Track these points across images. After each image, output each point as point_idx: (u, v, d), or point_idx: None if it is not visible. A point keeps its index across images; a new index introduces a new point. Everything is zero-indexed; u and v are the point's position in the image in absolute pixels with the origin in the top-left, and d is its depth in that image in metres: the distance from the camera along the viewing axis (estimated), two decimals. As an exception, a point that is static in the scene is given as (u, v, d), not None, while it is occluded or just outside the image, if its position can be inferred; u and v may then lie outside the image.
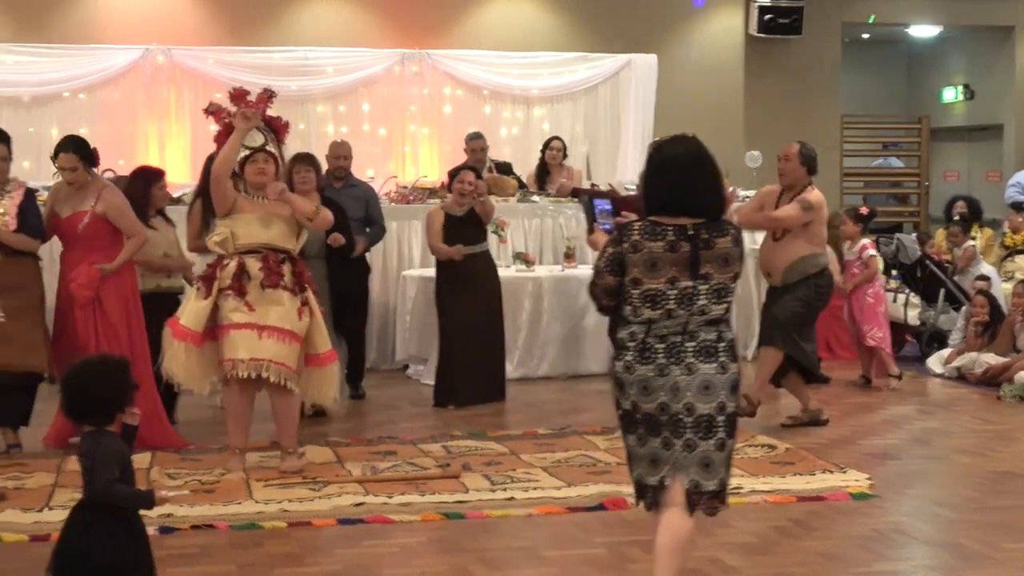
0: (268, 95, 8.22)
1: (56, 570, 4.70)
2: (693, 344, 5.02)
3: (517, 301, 11.52)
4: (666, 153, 5.19)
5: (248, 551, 6.48)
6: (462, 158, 12.64)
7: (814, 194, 9.29)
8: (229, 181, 7.98)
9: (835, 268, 11.25)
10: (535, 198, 12.91)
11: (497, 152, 14.05)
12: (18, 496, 7.40)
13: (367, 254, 10.91)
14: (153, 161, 12.88)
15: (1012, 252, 14.07)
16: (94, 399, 4.76)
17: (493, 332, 10.57)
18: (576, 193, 11.56)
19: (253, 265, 7.90)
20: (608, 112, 15.44)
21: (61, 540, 4.75)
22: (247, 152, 8.02)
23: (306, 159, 10.01)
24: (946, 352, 12.08)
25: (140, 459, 7.40)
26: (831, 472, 7.97)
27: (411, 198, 12.70)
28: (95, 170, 8.82)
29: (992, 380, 11.22)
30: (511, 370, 11.15)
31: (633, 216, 6.25)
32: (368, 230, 10.88)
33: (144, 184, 9.37)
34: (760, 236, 9.88)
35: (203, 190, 8.64)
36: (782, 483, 7.67)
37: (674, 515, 5.06)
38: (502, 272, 11.02)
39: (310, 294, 8.09)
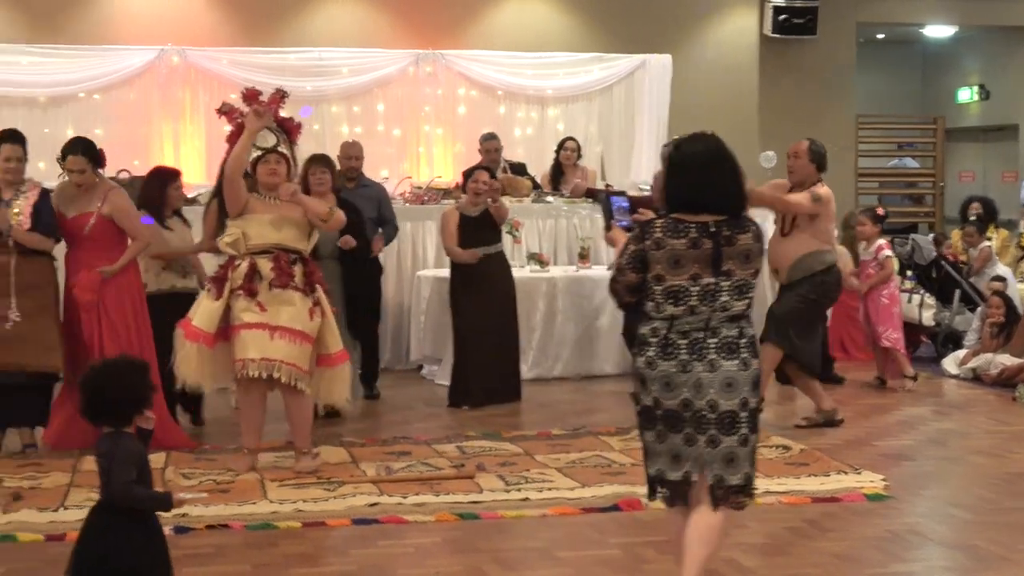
0: (281, 95, 8.23)
1: (75, 573, 4.71)
2: (715, 340, 5.06)
3: (531, 302, 11.52)
4: (686, 151, 5.22)
5: (263, 551, 6.49)
6: (476, 159, 12.64)
7: (824, 189, 9.29)
8: (241, 181, 7.99)
9: (847, 266, 11.25)
10: (549, 198, 12.91)
11: (511, 152, 14.05)
12: (34, 496, 7.41)
13: (380, 254, 10.92)
14: (168, 161, 12.90)
15: (1029, 253, 14.05)
16: (112, 400, 4.76)
17: (507, 332, 10.57)
18: (591, 194, 11.55)
19: (264, 265, 7.90)
20: (623, 112, 15.43)
21: (79, 542, 4.76)
22: (259, 153, 8.04)
23: (322, 160, 10.04)
24: (961, 353, 12.05)
25: (155, 459, 7.40)
26: (846, 473, 7.96)
27: (425, 198, 12.71)
28: (101, 171, 8.86)
29: (1008, 381, 11.19)
30: (525, 371, 11.14)
31: (650, 214, 6.26)
32: (381, 230, 10.89)
33: (160, 184, 9.40)
34: (769, 233, 9.87)
35: (219, 190, 8.65)
36: (797, 484, 7.65)
37: (703, 511, 5.12)
38: (516, 272, 11.03)
39: (321, 294, 8.09)
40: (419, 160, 14.80)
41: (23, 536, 6.69)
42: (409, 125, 14.88)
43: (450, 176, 13.80)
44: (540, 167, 13.95)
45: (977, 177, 20.77)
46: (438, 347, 11.50)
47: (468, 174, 10.65)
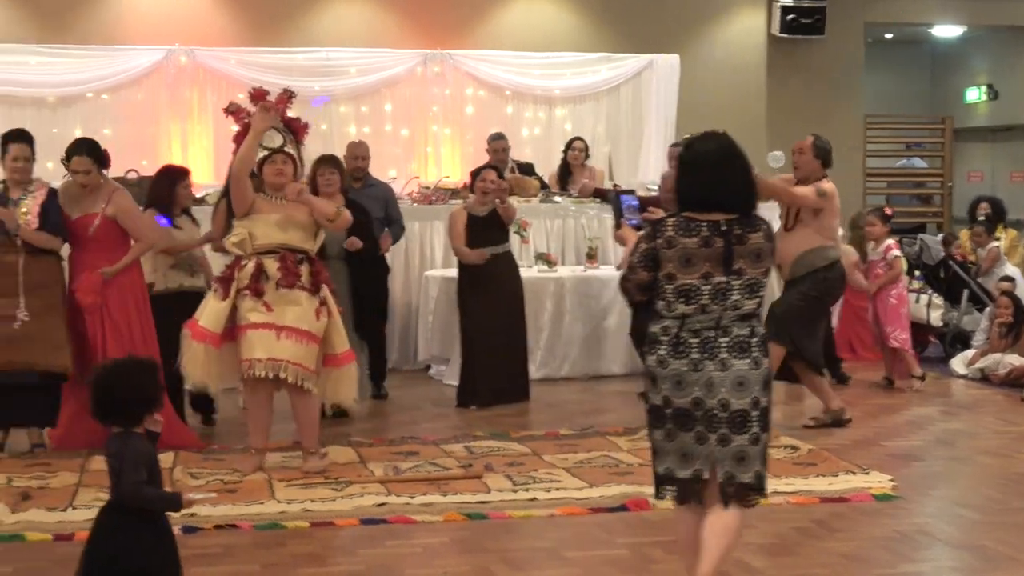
0: (288, 95, 8.24)
1: (85, 573, 4.71)
2: (727, 339, 5.07)
3: (539, 302, 11.52)
4: (698, 149, 5.23)
5: (271, 551, 6.49)
6: (484, 158, 12.64)
7: (829, 184, 9.28)
8: (248, 181, 8.00)
9: (852, 264, 11.23)
10: (557, 198, 12.91)
11: (519, 152, 14.05)
12: (42, 495, 7.42)
13: (387, 254, 10.92)
14: (176, 161, 12.88)
15: (1037, 253, 14.04)
16: (121, 400, 4.76)
17: (515, 332, 10.57)
18: (599, 193, 11.54)
19: (271, 265, 7.91)
20: (630, 112, 15.43)
21: (89, 543, 4.75)
22: (265, 153, 8.05)
23: (330, 161, 10.04)
24: (970, 353, 12.04)
25: (163, 459, 7.35)
26: (854, 473, 7.95)
27: (433, 198, 12.71)
28: (105, 172, 8.88)
29: (1016, 381, 11.19)
30: (533, 371, 11.13)
31: (660, 212, 6.27)
32: (387, 229, 10.89)
33: (169, 183, 9.41)
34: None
35: (228, 190, 8.67)
36: (805, 484, 7.65)
37: (718, 510, 5.14)
38: (524, 272, 11.03)
39: (328, 294, 8.09)
40: (427, 160, 14.81)
41: (31, 536, 6.70)
42: (417, 125, 14.89)
43: (458, 176, 13.82)
44: (548, 167, 13.94)
45: (985, 177, 20.74)
46: (446, 347, 11.50)
47: (476, 173, 10.66)
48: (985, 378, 11.61)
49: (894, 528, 6.87)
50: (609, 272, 11.89)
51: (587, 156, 13.53)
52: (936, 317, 12.75)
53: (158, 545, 4.75)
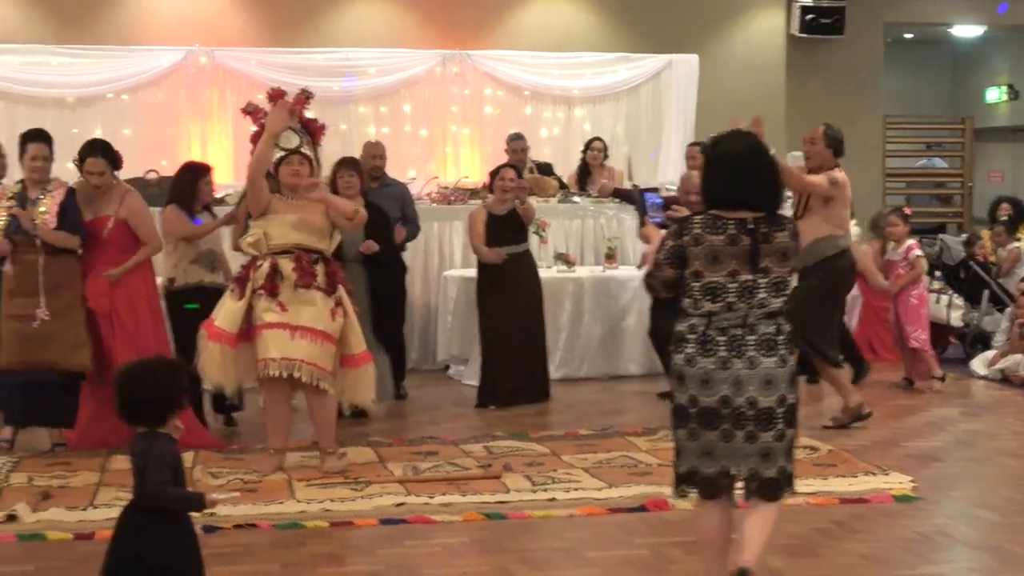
0: (305, 96, 8.26)
1: (109, 573, 4.71)
2: (754, 337, 5.09)
3: (558, 302, 11.52)
4: (725, 148, 5.26)
5: (291, 550, 6.51)
6: (503, 159, 12.63)
7: (840, 173, 9.25)
8: (264, 182, 8.03)
9: (866, 260, 11.19)
10: (576, 199, 12.91)
11: (538, 153, 14.05)
12: (63, 495, 7.44)
13: (404, 253, 10.92)
14: (196, 161, 12.94)
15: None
16: (146, 401, 4.77)
17: (534, 332, 10.57)
18: (618, 193, 11.54)
19: (286, 265, 7.92)
20: (649, 112, 15.40)
21: (113, 542, 4.75)
22: (282, 153, 8.07)
23: (350, 163, 10.07)
24: (990, 354, 12.01)
25: (183, 459, 7.43)
26: (873, 474, 7.94)
27: (452, 199, 12.72)
28: (117, 173, 8.92)
29: (1036, 382, 11.17)
30: (553, 371, 11.13)
31: (684, 211, 6.28)
32: (400, 222, 10.90)
33: (192, 178, 9.42)
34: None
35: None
36: (824, 485, 7.63)
37: (756, 503, 5.20)
38: (543, 273, 11.03)
39: (343, 294, 8.10)
40: (446, 160, 14.81)
41: (52, 535, 6.73)
42: (436, 125, 14.89)
43: (477, 176, 13.81)
44: (567, 167, 13.95)
45: (1006, 177, 20.69)
46: (465, 347, 11.51)
47: (495, 173, 10.68)
48: (1005, 379, 11.58)
49: (914, 529, 6.85)
50: (628, 272, 11.88)
51: (606, 156, 13.53)
52: (956, 318, 12.71)
53: (182, 545, 4.76)
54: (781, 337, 5.14)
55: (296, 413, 8.56)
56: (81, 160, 8.78)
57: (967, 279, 12.93)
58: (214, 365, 7.92)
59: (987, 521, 7.09)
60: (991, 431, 9.64)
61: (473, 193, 12.72)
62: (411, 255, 11.42)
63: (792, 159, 10.11)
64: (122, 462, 7.72)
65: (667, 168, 14.78)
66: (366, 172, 10.73)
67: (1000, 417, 10.16)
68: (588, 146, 13.57)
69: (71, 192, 8.70)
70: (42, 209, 8.54)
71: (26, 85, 13.85)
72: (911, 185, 20.73)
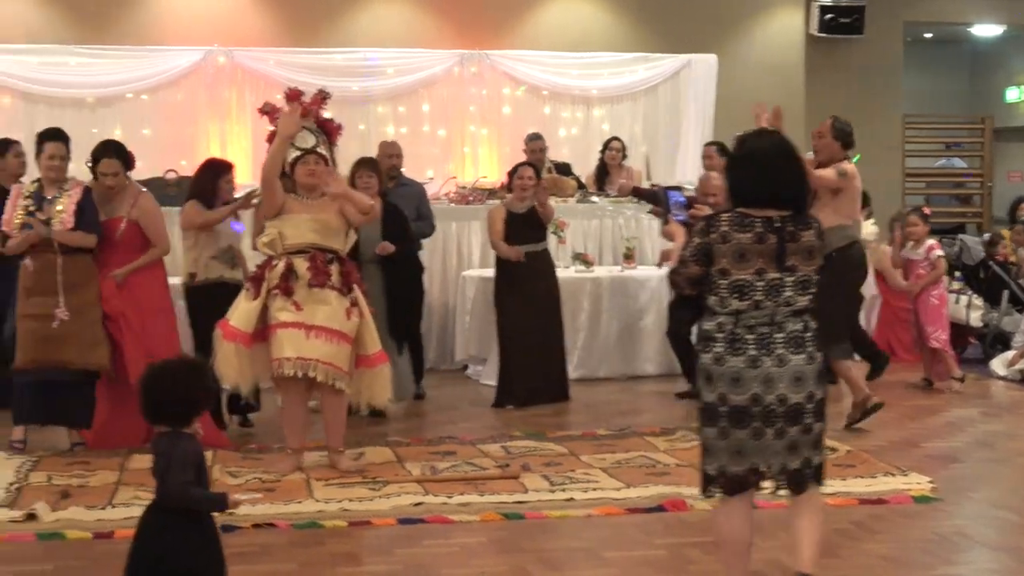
0: (322, 96, 8.28)
1: (131, 573, 4.72)
2: (782, 335, 5.10)
3: (576, 302, 11.53)
4: (752, 146, 5.27)
5: (309, 550, 6.52)
6: (521, 159, 12.60)
7: (849, 165, 9.21)
8: (277, 183, 8.05)
9: (884, 261, 11.15)
10: (594, 199, 12.91)
11: (556, 153, 14.04)
12: (82, 494, 7.46)
13: (421, 253, 10.93)
14: (215, 162, 12.96)
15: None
16: (170, 401, 4.77)
17: (552, 332, 10.57)
18: (637, 193, 11.53)
19: (301, 265, 7.94)
20: (668, 112, 15.37)
21: (136, 542, 4.75)
22: (298, 153, 8.09)
23: (369, 164, 10.08)
24: (1009, 354, 11.98)
25: (202, 458, 7.46)
26: (893, 475, 7.92)
27: (470, 199, 12.72)
28: (130, 174, 8.95)
29: (1057, 383, 11.13)
30: (571, 371, 11.12)
31: (707, 210, 6.28)
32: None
33: (213, 175, 9.43)
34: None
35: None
36: (843, 486, 7.61)
37: (800, 501, 5.26)
38: (561, 272, 11.03)
39: (359, 294, 8.11)
40: (464, 160, 14.80)
41: (71, 534, 6.74)
42: (454, 125, 14.89)
43: (495, 176, 13.81)
44: (585, 167, 13.94)
45: (1026, 177, 20.64)
46: (483, 347, 11.52)
47: (513, 172, 10.70)
48: (1025, 379, 11.57)
49: (933, 530, 6.84)
50: (646, 272, 11.88)
51: (624, 156, 13.53)
52: (976, 318, 12.68)
53: (205, 545, 4.76)
54: (808, 334, 5.15)
55: (314, 414, 8.57)
56: (95, 161, 8.80)
57: (987, 279, 12.90)
58: (229, 365, 7.93)
59: (1007, 522, 7.07)
60: (1011, 432, 9.61)
61: (491, 193, 12.72)
62: (429, 255, 11.43)
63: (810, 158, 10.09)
64: (141, 461, 7.75)
65: (685, 168, 14.75)
66: (384, 171, 10.75)
67: (1020, 418, 10.14)
68: (606, 146, 13.57)
69: (87, 191, 8.71)
70: (59, 208, 8.56)
71: (46, 85, 13.88)
72: (930, 185, 20.67)
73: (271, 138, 8.20)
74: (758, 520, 5.36)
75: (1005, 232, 14.35)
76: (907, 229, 11.67)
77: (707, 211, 6.40)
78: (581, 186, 13.26)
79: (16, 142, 10.47)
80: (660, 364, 11.70)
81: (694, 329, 10.21)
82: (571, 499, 7.35)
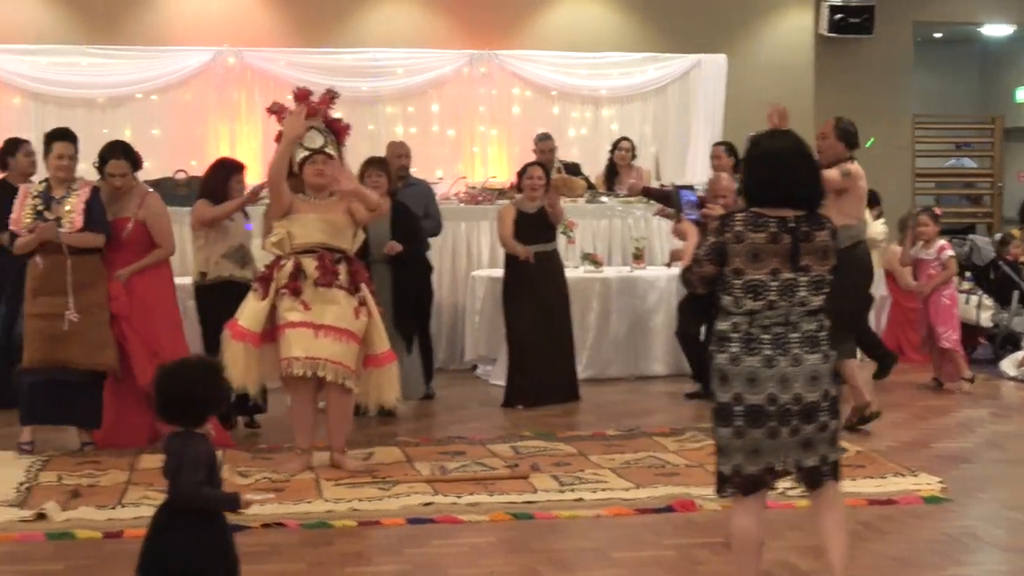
0: (331, 96, 8.28)
1: (143, 573, 4.72)
2: (797, 335, 5.10)
3: (585, 302, 11.52)
4: (766, 146, 5.27)
5: (318, 550, 6.52)
6: (531, 159, 12.58)
7: (854, 165, 9.18)
8: (284, 184, 8.06)
9: (894, 262, 11.12)
10: (604, 199, 12.91)
11: (565, 153, 14.04)
12: (92, 493, 7.47)
13: (430, 252, 10.93)
14: (225, 162, 12.97)
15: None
16: (185, 401, 4.77)
17: (561, 332, 10.57)
18: (647, 193, 11.54)
19: (309, 265, 7.95)
20: (677, 112, 15.36)
21: (147, 541, 4.75)
22: (306, 153, 8.10)
23: (378, 163, 10.09)
24: (1020, 355, 11.95)
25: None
26: (902, 475, 7.91)
27: (480, 199, 12.73)
28: (136, 175, 8.96)
29: (1067, 383, 11.11)
30: (580, 371, 11.11)
31: (719, 209, 6.28)
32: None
33: (224, 175, 9.45)
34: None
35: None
36: (853, 486, 7.58)
37: (820, 498, 5.28)
38: (570, 273, 11.03)
39: (367, 294, 8.12)
40: (473, 160, 14.80)
41: (81, 533, 6.75)
42: (463, 125, 14.89)
43: (505, 176, 13.81)
44: (594, 167, 13.94)
45: (1035, 177, 20.59)
46: (492, 347, 11.52)
47: (522, 171, 10.71)
48: (1035, 380, 11.55)
49: (943, 531, 6.83)
50: (655, 273, 11.88)
51: (634, 156, 13.53)
52: (986, 318, 12.66)
53: (216, 545, 4.75)
54: (823, 333, 5.16)
55: (322, 414, 8.57)
56: (102, 162, 8.81)
57: (997, 279, 12.87)
58: (238, 365, 7.92)
59: (1017, 523, 7.06)
60: (1021, 432, 9.59)
61: (501, 193, 12.73)
62: (438, 255, 11.43)
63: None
64: (151, 461, 7.76)
65: (695, 168, 14.74)
66: (393, 171, 10.75)
67: (1030, 418, 10.13)
68: (616, 146, 13.57)
69: (96, 190, 8.72)
70: (68, 208, 8.57)
71: (56, 86, 13.91)
72: (940, 185, 20.63)
73: (279, 137, 8.21)
74: (767, 520, 5.35)
75: (1015, 232, 14.31)
76: (918, 229, 11.65)
77: (719, 210, 6.38)
78: (591, 186, 13.26)
79: (26, 141, 10.51)
80: (669, 364, 11.70)
81: (703, 329, 10.24)
82: (580, 499, 7.35)
